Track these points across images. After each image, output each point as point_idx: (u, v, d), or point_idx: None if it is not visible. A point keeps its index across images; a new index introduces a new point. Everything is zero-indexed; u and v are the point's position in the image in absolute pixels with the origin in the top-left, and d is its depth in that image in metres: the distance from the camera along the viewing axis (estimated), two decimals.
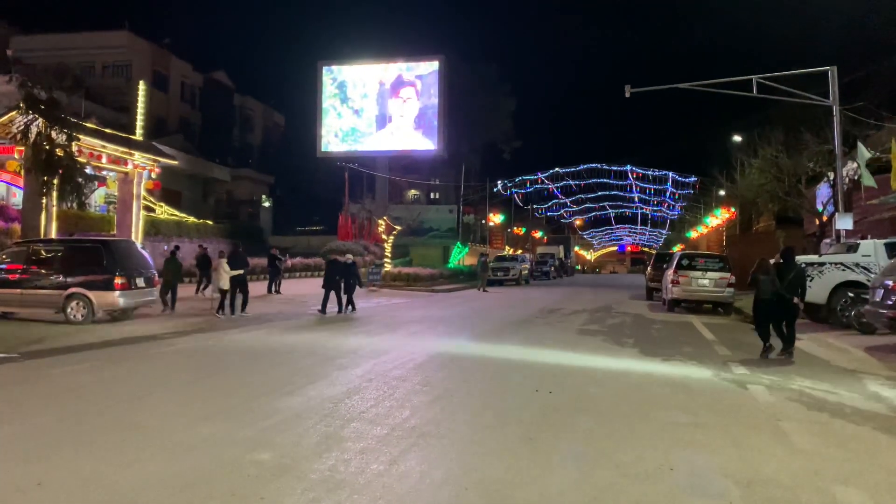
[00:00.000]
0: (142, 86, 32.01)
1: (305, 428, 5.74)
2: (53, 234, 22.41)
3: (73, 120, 22.44)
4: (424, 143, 40.76)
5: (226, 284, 16.33)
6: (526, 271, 40.73)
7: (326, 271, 18.21)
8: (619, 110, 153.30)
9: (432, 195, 55.83)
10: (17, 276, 14.49)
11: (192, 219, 35.94)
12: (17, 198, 25.65)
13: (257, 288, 24.39)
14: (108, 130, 26.20)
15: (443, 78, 40.88)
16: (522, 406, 6.77)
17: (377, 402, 6.82)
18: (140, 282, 15.20)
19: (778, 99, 18.69)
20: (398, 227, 33.11)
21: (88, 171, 28.06)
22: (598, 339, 12.73)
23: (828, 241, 18.51)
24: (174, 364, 9.22)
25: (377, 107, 41.53)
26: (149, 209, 32.76)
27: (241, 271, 17.01)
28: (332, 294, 17.71)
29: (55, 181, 21.23)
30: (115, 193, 28.65)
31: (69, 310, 14.23)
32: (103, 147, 24.76)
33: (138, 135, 29.91)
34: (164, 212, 33.59)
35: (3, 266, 14.67)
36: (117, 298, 14.38)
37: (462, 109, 44.60)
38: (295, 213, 50.29)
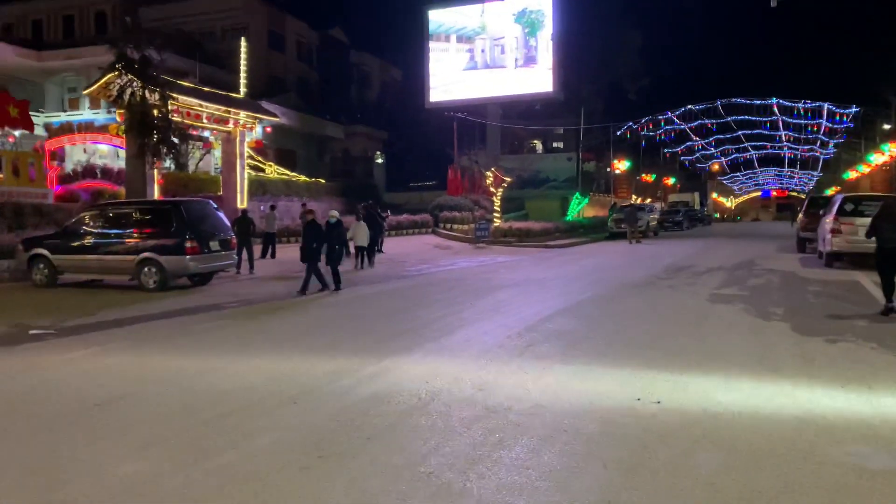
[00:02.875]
0: (243, 42, 31.54)
1: None
2: (155, 196, 22.38)
3: (166, 79, 21.99)
4: (539, 86, 37.68)
5: (365, 241, 18.24)
6: (654, 222, 37.06)
7: (304, 237, 12.96)
8: (763, 31, 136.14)
9: (553, 144, 52.53)
10: (94, 240, 13.90)
11: (302, 177, 35.57)
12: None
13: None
14: (206, 89, 25.77)
15: (556, 12, 37.36)
16: None
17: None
18: (215, 245, 14.16)
19: None
20: (508, 179, 30.74)
21: (190, 132, 28.25)
22: (735, 308, 9.98)
23: None
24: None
25: (487, 49, 38.84)
26: (257, 169, 32.61)
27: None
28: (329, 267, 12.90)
29: (151, 142, 21.01)
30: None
31: (143, 276, 13.47)
32: (201, 106, 24.30)
33: (242, 93, 29.46)
34: (273, 171, 33.33)
35: (81, 231, 14.12)
36: (188, 263, 13.41)
37: (581, 46, 40.82)
38: (408, 168, 49.09)
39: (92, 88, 22.11)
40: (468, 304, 10.45)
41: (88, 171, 28.32)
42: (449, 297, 11.45)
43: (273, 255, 21.01)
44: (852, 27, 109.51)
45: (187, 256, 13.37)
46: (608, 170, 50.51)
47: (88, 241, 13.93)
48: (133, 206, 14.95)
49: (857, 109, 35.70)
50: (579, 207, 39.23)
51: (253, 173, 31.20)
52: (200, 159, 33.54)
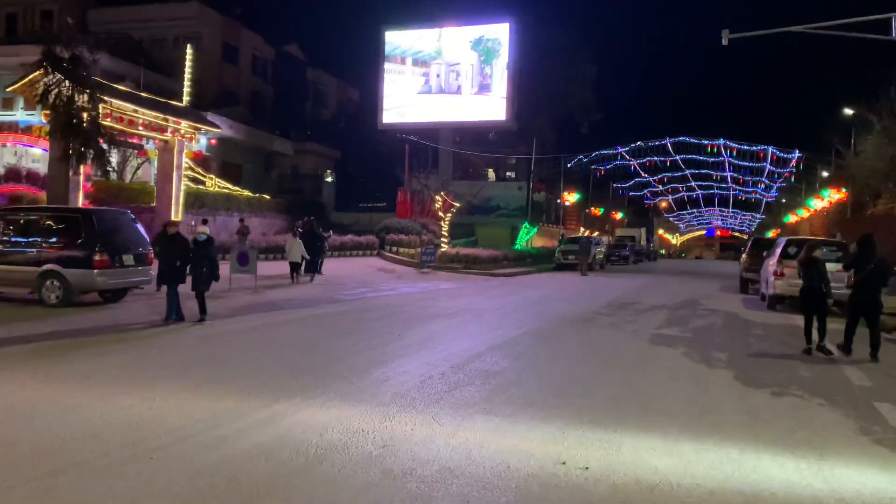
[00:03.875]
0: (189, 49, 30.36)
1: None
2: (79, 204, 20.94)
3: (98, 80, 20.75)
4: (492, 113, 37.44)
5: (297, 257, 19.76)
6: (601, 255, 37.03)
7: (162, 254, 11.30)
8: (712, 76, 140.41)
9: (505, 172, 52.47)
10: None
11: (246, 192, 34.27)
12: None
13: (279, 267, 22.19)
14: (143, 94, 24.50)
15: (513, 43, 37.31)
16: None
17: None
18: (129, 259, 13.03)
19: None
20: (457, 204, 30.18)
21: (128, 139, 26.80)
22: (677, 352, 9.44)
23: None
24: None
25: (442, 74, 38.49)
26: (197, 181, 31.24)
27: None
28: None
29: (76, 146, 19.67)
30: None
31: (44, 290, 12.22)
32: (136, 112, 23.02)
33: (185, 102, 28.24)
34: (214, 184, 31.99)
35: None
36: (96, 278, 12.25)
37: (535, 78, 40.90)
38: (358, 188, 48.19)
39: (16, 86, 20.72)
40: (396, 336, 9.63)
41: (12, 175, 26.57)
42: (377, 327, 10.61)
43: None
44: (800, 73, 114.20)
45: (95, 270, 12.21)
46: (558, 201, 50.65)
47: None
48: (39, 212, 13.66)
49: (800, 154, 36.61)
50: (528, 237, 38.98)
51: (192, 185, 29.83)
52: (138, 168, 32.03)
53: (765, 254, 19.07)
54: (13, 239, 12.63)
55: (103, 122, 21.24)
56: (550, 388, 6.73)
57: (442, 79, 38.59)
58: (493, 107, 37.54)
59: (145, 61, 38.44)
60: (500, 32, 37.84)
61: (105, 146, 20.31)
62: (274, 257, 25.35)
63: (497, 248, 31.58)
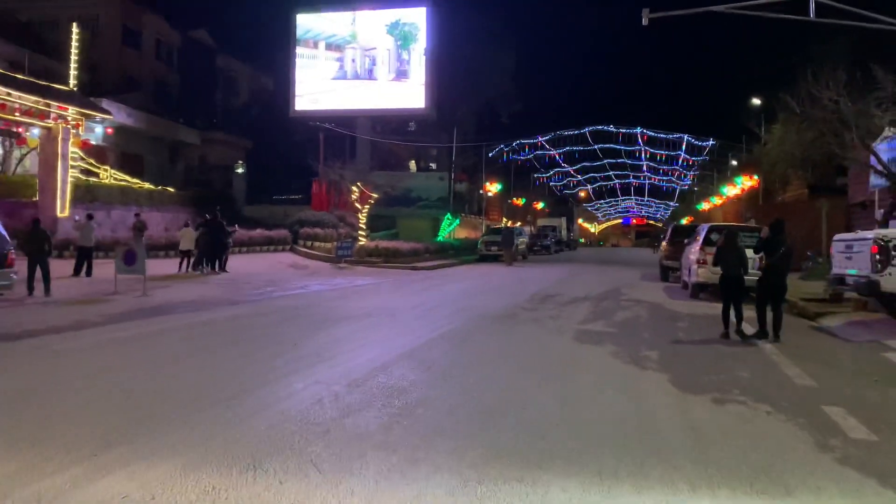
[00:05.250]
0: (75, 28, 27.61)
1: None
2: None
3: None
4: (411, 101, 36.24)
5: (189, 245, 20.44)
6: (524, 245, 36.61)
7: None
8: (632, 65, 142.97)
9: (426, 163, 51.37)
10: None
11: (146, 185, 31.72)
12: None
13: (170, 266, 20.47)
14: (19, 76, 21.96)
15: (430, 28, 36.19)
16: None
17: None
18: None
19: (842, 25, 14.31)
20: (375, 195, 28.88)
21: None
22: (605, 350, 8.62)
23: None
24: None
25: (357, 59, 36.94)
26: (89, 173, 28.59)
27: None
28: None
29: None
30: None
31: None
32: (8, 95, 20.53)
33: (72, 86, 25.64)
34: (109, 176, 29.37)
35: None
36: None
37: (455, 66, 39.91)
38: (272, 180, 45.92)
39: None
40: (290, 346, 8.37)
41: None
42: (272, 335, 9.30)
43: (88, 273, 17.83)
44: (718, 60, 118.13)
45: None
46: (480, 192, 50.06)
47: None
48: None
49: (714, 143, 37.30)
50: (450, 228, 38.15)
51: (82, 177, 27.22)
52: (22, 158, 29.04)
53: (685, 241, 18.82)
54: None
55: None
56: (465, 406, 5.67)
57: (357, 64, 37.08)
58: (411, 94, 36.34)
59: (34, 44, 35.17)
60: (417, 17, 36.66)
61: None
62: (174, 254, 23.35)
63: (419, 241, 30.56)
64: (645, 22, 15.24)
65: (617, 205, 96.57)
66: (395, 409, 5.50)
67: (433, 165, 49.75)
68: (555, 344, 9.08)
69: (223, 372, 6.86)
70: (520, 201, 62.05)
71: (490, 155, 44.89)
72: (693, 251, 16.27)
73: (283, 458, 4.28)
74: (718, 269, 11.90)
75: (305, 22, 38.17)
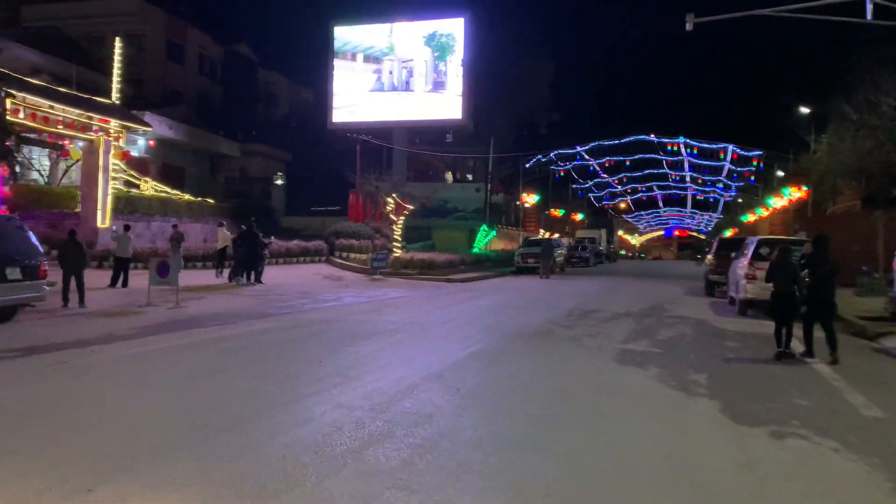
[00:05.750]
0: (118, 42, 28.15)
1: None
2: None
3: (4, 72, 18.64)
4: (448, 112, 35.98)
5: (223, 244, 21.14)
6: (561, 257, 35.89)
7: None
8: (674, 73, 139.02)
9: (462, 174, 51.06)
10: None
11: (186, 196, 32.08)
12: None
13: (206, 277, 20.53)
14: (61, 90, 22.33)
15: (468, 39, 35.97)
16: None
17: None
18: (13, 273, 11.13)
19: None
20: (410, 206, 28.61)
21: (47, 139, 24.48)
22: (647, 374, 8.05)
23: None
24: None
25: (394, 71, 36.89)
26: (131, 184, 29.02)
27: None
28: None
29: None
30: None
31: None
32: (52, 108, 20.86)
33: (114, 99, 26.08)
34: (150, 187, 29.76)
35: None
36: None
37: (492, 76, 39.61)
38: (311, 191, 46.19)
39: None
40: (315, 363, 8.02)
41: None
42: (296, 351, 8.97)
43: (125, 284, 17.89)
44: (765, 67, 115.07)
45: None
46: (517, 203, 49.48)
47: None
48: None
49: (761, 152, 36.09)
50: (486, 240, 37.67)
51: (124, 189, 27.62)
52: (67, 170, 29.65)
53: (733, 255, 17.99)
54: None
55: (14, 119, 19.17)
56: (494, 438, 5.21)
57: (394, 76, 37.02)
58: (448, 105, 36.10)
59: (82, 59, 36.02)
60: (454, 28, 36.45)
61: (8, 144, 18.20)
62: (212, 265, 23.39)
63: (454, 252, 30.18)
64: (689, 27, 14.66)
65: (658, 216, 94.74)
66: (418, 440, 5.07)
67: (469, 176, 49.46)
68: (594, 365, 8.54)
69: (241, 392, 6.53)
70: (558, 212, 61.25)
71: (527, 166, 44.31)
72: (741, 266, 15.49)
73: (293, 497, 3.89)
74: (770, 286, 11.26)
75: (343, 34, 38.34)
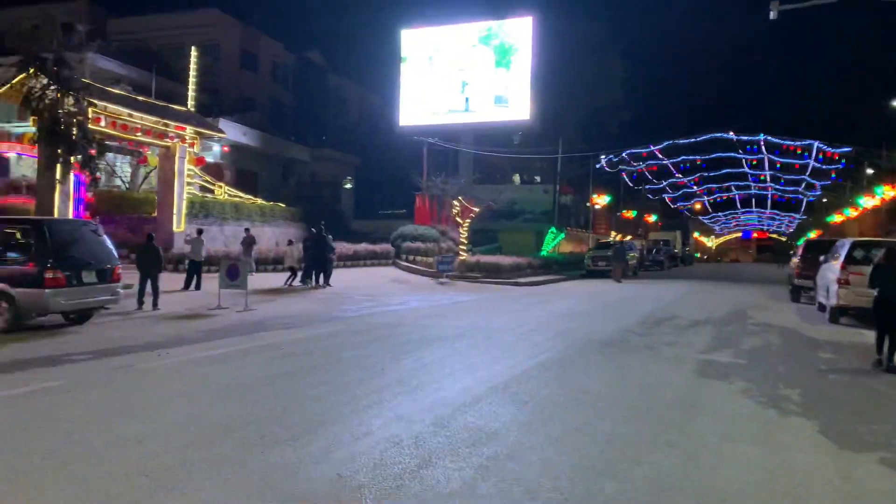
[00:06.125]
0: (193, 52, 29.05)
1: None
2: (69, 214, 19.59)
3: (87, 82, 19.33)
4: (515, 113, 35.43)
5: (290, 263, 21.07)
6: (634, 261, 34.75)
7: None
8: (752, 65, 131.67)
9: (529, 175, 50.32)
10: None
11: (258, 200, 32.82)
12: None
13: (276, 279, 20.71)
14: (140, 98, 23.11)
15: (535, 38, 35.29)
16: None
17: None
18: (89, 276, 11.42)
19: None
20: (476, 209, 28.28)
21: (128, 146, 25.43)
22: (733, 388, 7.40)
23: None
24: None
25: (461, 73, 36.63)
26: (206, 189, 29.89)
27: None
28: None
29: (63, 153, 18.32)
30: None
31: None
32: (130, 116, 21.62)
33: (189, 106, 26.90)
34: (223, 192, 30.57)
35: None
36: (49, 299, 10.63)
37: (560, 76, 38.74)
38: (379, 195, 46.56)
39: (1, 91, 19.38)
40: (377, 371, 7.76)
41: (13, 187, 25.44)
42: (360, 357, 8.75)
43: (198, 287, 18.30)
44: (850, 59, 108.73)
45: (47, 290, 10.60)
46: (587, 204, 48.37)
47: None
48: None
49: (850, 149, 33.90)
50: (555, 242, 36.90)
51: (198, 194, 28.46)
52: (146, 176, 30.80)
53: (821, 258, 16.79)
54: None
55: (95, 127, 19.91)
56: (564, 459, 4.78)
57: (460, 77, 36.74)
58: (514, 106, 35.55)
59: (162, 69, 37.43)
60: (522, 28, 35.89)
61: (94, 152, 18.89)
62: (282, 269, 23.73)
63: (522, 255, 29.64)
64: (773, 16, 13.73)
65: (736, 217, 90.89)
66: (482, 459, 4.69)
67: (537, 178, 48.70)
68: (672, 378, 7.95)
69: (301, 400, 6.32)
70: (630, 214, 59.58)
71: (598, 166, 43.14)
72: (832, 269, 14.38)
73: None
74: (865, 291, 10.41)
75: (410, 38, 38.38)
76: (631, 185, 51.51)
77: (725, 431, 5.65)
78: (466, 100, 36.62)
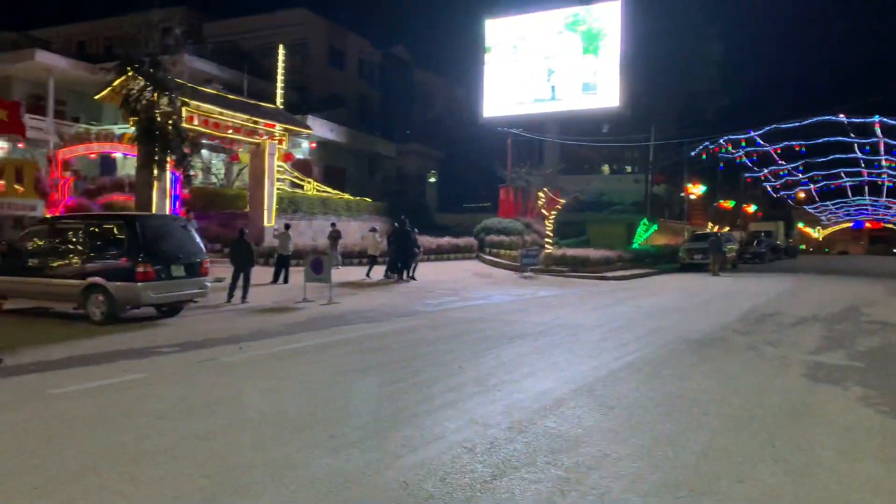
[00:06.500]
0: (281, 51, 29.74)
1: None
2: (166, 210, 20.48)
3: (179, 82, 20.09)
4: (603, 100, 34.26)
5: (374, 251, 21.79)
6: (732, 253, 32.88)
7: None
8: (864, 41, 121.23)
9: (619, 164, 48.72)
10: (39, 260, 11.72)
11: (345, 195, 33.35)
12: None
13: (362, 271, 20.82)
14: (230, 96, 23.83)
15: (625, 22, 33.98)
16: None
17: None
18: (178, 270, 11.74)
19: None
20: (562, 200, 27.50)
21: (222, 144, 26.41)
22: (849, 395, 6.60)
23: None
24: None
25: (546, 61, 35.77)
26: (296, 185, 30.62)
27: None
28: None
29: (159, 151, 19.12)
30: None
31: (89, 305, 11.15)
32: (221, 114, 22.33)
33: (278, 104, 27.58)
34: (312, 188, 31.22)
35: (27, 249, 11.98)
36: (140, 292, 10.99)
37: (651, 60, 37.08)
38: (462, 188, 46.42)
39: (103, 93, 20.46)
40: (455, 369, 7.45)
41: (116, 185, 26.96)
42: (436, 354, 8.48)
43: (286, 280, 18.67)
44: None
45: (139, 283, 10.96)
46: (681, 194, 46.30)
47: (33, 261, 11.76)
48: (83, 220, 12.65)
49: None
50: (647, 234, 35.45)
51: (288, 189, 29.18)
52: (239, 173, 31.92)
53: None
54: (59, 249, 11.67)
55: (189, 126, 20.67)
56: (655, 474, 4.29)
57: (545, 65, 35.89)
58: (603, 93, 34.39)
59: (253, 69, 38.75)
60: (610, 12, 34.64)
61: (188, 151, 19.61)
62: (366, 262, 23.95)
63: (611, 248, 28.61)
64: None
65: (846, 206, 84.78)
66: (561, 471, 4.28)
67: (628, 168, 47.11)
68: (778, 382, 7.20)
69: (375, 399, 6.11)
70: (728, 204, 56.63)
71: (693, 154, 41.14)
72: None
73: None
74: None
75: (494, 27, 37.87)
76: (729, 173, 48.88)
77: (843, 446, 4.97)
78: (553, 88, 35.76)
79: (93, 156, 27.41)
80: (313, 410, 5.68)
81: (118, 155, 28.19)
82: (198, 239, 12.70)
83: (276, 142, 24.92)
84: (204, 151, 29.19)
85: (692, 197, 47.47)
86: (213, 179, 31.33)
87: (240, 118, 23.33)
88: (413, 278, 20.94)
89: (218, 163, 31.73)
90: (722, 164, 45.01)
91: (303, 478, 4.09)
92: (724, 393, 6.63)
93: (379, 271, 21.29)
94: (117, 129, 26.76)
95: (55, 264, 11.53)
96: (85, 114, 33.57)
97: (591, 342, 9.57)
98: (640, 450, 4.75)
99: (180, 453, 4.54)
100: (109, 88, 19.96)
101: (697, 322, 12.00)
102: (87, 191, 25.91)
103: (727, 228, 46.90)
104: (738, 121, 47.13)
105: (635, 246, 33.09)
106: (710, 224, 48.60)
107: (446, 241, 28.31)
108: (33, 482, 3.96)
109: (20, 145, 22.95)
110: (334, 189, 33.39)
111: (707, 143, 39.29)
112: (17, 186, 18.57)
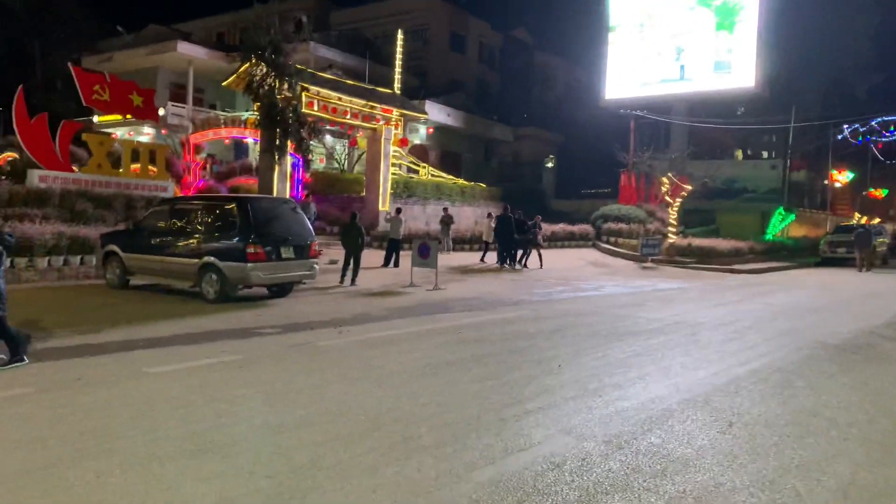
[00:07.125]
0: (399, 36, 29.83)
1: None
2: (286, 194, 21.13)
3: (298, 67, 20.58)
4: (737, 81, 31.70)
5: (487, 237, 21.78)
6: (884, 247, 29.53)
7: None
8: None
9: (753, 149, 45.18)
10: (160, 239, 12.29)
11: (459, 181, 33.16)
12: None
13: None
14: (348, 82, 24.17)
15: None
16: None
17: None
18: (287, 252, 11.91)
19: None
20: (688, 187, 25.71)
21: (340, 129, 26.92)
22: None
23: None
24: None
25: (674, 39, 33.58)
26: (411, 170, 30.77)
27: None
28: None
29: (279, 135, 19.70)
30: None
31: (204, 283, 11.57)
32: (339, 100, 22.69)
33: (396, 89, 27.73)
34: (427, 173, 31.27)
35: (150, 228, 12.60)
36: (249, 272, 11.24)
37: (794, 36, 33.87)
38: (580, 173, 44.83)
39: (230, 80, 21.33)
40: (552, 368, 6.88)
41: (245, 168, 28.28)
42: (535, 349, 7.92)
43: (396, 264, 18.73)
44: None
45: (249, 264, 11.21)
46: (824, 182, 42.29)
47: (155, 239, 12.35)
48: (199, 201, 13.13)
49: None
50: (783, 225, 32.61)
51: (403, 174, 29.36)
52: (359, 158, 32.58)
53: None
54: (177, 229, 12.17)
55: (308, 111, 21.15)
56: None
57: (673, 45, 33.74)
58: (737, 72, 31.85)
59: (375, 55, 39.43)
60: None
61: (306, 135, 20.06)
62: (478, 248, 23.63)
63: (742, 239, 26.55)
64: None
65: None
66: (662, 501, 3.65)
67: (764, 153, 43.58)
68: None
69: (460, 397, 5.69)
70: (879, 193, 51.17)
71: (839, 138, 37.37)
72: None
73: None
74: None
75: (619, 6, 36.07)
76: (882, 158, 44.10)
77: None
78: (682, 67, 33.58)
79: (227, 141, 28.87)
80: (393, 406, 5.35)
81: (249, 140, 29.55)
82: (307, 221, 12.85)
83: (392, 126, 25.04)
84: (328, 137, 29.99)
85: (837, 185, 43.29)
86: (336, 164, 32.14)
87: (357, 103, 23.62)
88: (525, 266, 20.40)
89: (340, 148, 32.52)
90: (878, 147, 40.51)
91: (368, 484, 3.74)
92: (871, 413, 5.63)
93: (493, 257, 20.93)
94: (243, 115, 27.98)
95: (174, 243, 12.04)
96: (220, 101, 35.57)
97: (712, 344, 8.63)
98: (762, 481, 4.01)
99: (248, 447, 4.34)
100: (235, 75, 20.76)
101: (838, 324, 10.61)
102: (219, 174, 27.37)
103: (877, 220, 42.36)
104: (893, 100, 42.24)
105: (769, 237, 30.56)
106: (856, 215, 44.05)
107: (560, 227, 27.41)
108: (98, 467, 3.88)
109: (163, 132, 24.56)
110: (449, 174, 33.27)
111: (856, 126, 35.49)
112: (150, 167, 19.75)
